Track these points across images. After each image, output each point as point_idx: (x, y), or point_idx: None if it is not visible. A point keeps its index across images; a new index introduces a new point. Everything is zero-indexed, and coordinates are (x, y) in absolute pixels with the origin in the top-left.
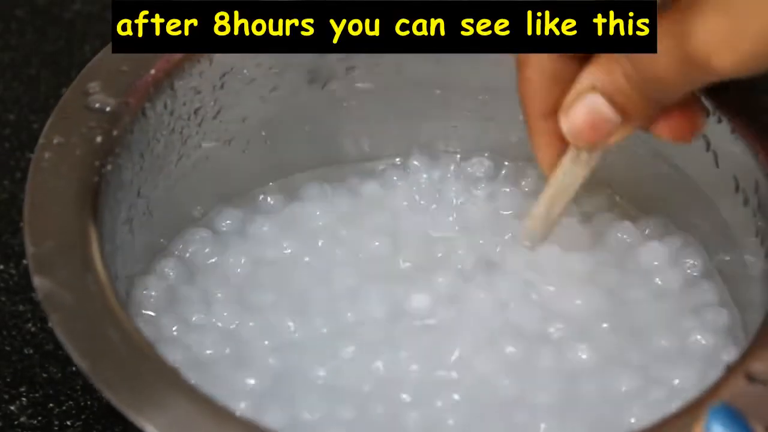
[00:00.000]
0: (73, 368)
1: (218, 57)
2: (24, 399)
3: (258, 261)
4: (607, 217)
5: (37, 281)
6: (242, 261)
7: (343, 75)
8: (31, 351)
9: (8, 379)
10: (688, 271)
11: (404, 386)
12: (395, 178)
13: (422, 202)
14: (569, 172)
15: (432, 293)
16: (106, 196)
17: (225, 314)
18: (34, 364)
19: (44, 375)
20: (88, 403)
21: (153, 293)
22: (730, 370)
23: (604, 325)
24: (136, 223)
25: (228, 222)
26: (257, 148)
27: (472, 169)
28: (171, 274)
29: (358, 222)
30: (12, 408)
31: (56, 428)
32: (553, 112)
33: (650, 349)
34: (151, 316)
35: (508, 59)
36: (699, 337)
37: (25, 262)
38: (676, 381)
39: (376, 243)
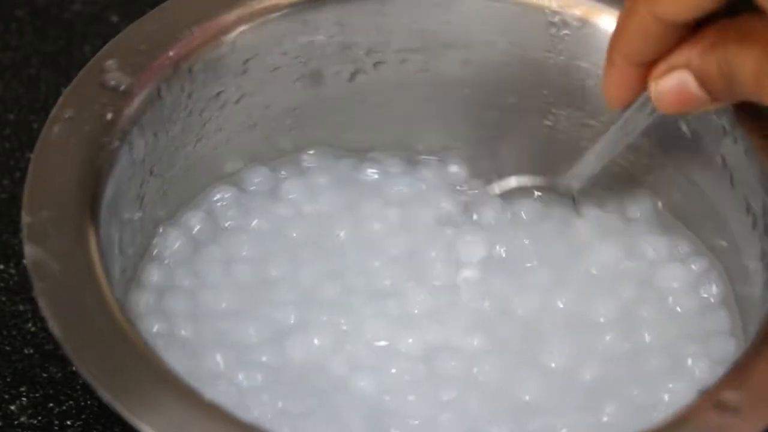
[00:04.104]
0: (73, 368)
1: (241, 42)
2: (24, 399)
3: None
4: (645, 227)
5: (28, 249)
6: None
7: (370, 69)
8: (31, 351)
9: (8, 379)
10: (706, 296)
11: (440, 351)
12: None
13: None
14: (632, 120)
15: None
16: (112, 173)
17: (242, 271)
18: (34, 364)
19: (44, 375)
20: (88, 403)
21: (177, 244)
22: (701, 396)
23: (607, 337)
24: (147, 200)
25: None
26: (281, 136)
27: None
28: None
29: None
30: (12, 408)
31: (56, 428)
32: (639, 63)
33: (644, 369)
34: (167, 266)
35: (536, 62)
36: (691, 361)
37: (24, 261)
38: (665, 401)
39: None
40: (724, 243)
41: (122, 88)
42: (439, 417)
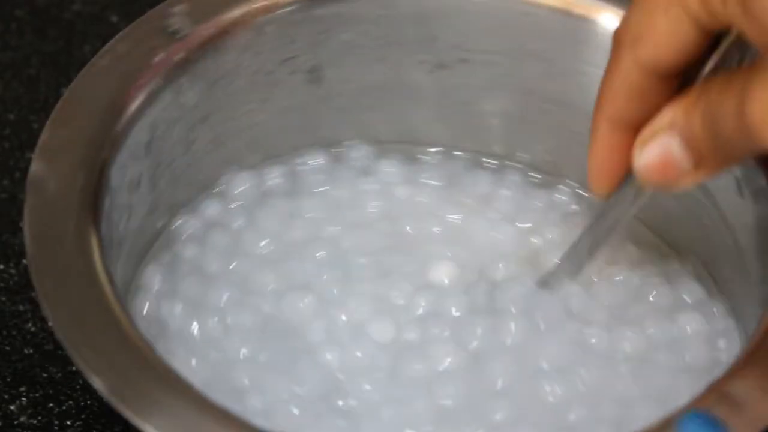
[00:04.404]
0: (73, 368)
1: (319, 13)
2: (24, 399)
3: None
4: (687, 288)
5: (33, 164)
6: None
7: (454, 64)
8: (31, 351)
9: (8, 379)
10: (720, 354)
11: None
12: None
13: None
14: (619, 202)
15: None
16: (148, 111)
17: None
18: (34, 364)
19: (44, 375)
20: (88, 402)
21: (241, 188)
22: None
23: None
24: (198, 146)
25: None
26: (360, 113)
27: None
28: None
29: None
30: (12, 408)
31: (56, 428)
32: (623, 126)
33: (628, 415)
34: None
35: None
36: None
37: (24, 261)
38: None
39: None
40: (751, 307)
41: (180, 34)
42: (382, 409)
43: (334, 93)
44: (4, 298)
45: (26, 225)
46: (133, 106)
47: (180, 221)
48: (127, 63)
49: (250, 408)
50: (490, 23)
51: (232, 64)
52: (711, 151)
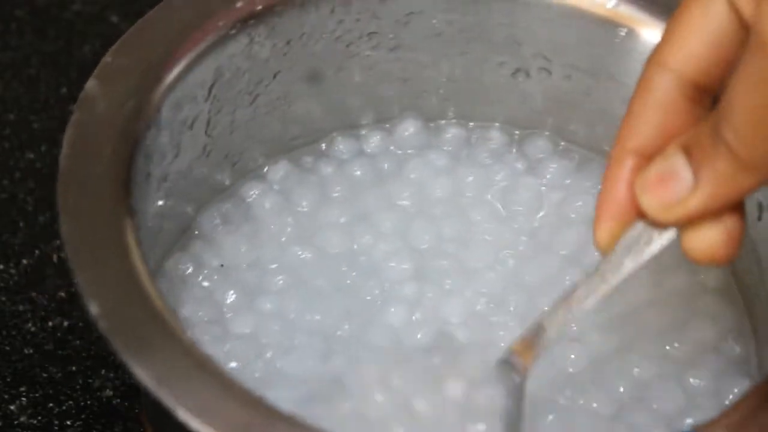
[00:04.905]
0: (73, 368)
1: None
2: (24, 399)
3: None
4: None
5: (89, 83)
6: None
7: (534, 73)
8: (31, 351)
9: (8, 379)
10: (730, 397)
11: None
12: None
13: None
14: (622, 253)
15: None
16: (215, 52)
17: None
18: (34, 364)
19: (44, 375)
20: (88, 402)
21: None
22: None
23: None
24: (264, 100)
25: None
26: (433, 101)
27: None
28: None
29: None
30: (12, 408)
31: (56, 428)
32: (640, 153)
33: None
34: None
35: None
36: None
37: (24, 261)
38: None
39: None
40: None
41: None
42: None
43: (408, 76)
44: (4, 298)
45: (66, 137)
46: (201, 45)
47: (274, 165)
48: (205, 3)
49: None
50: (576, 39)
51: (312, 26)
52: (713, 154)
